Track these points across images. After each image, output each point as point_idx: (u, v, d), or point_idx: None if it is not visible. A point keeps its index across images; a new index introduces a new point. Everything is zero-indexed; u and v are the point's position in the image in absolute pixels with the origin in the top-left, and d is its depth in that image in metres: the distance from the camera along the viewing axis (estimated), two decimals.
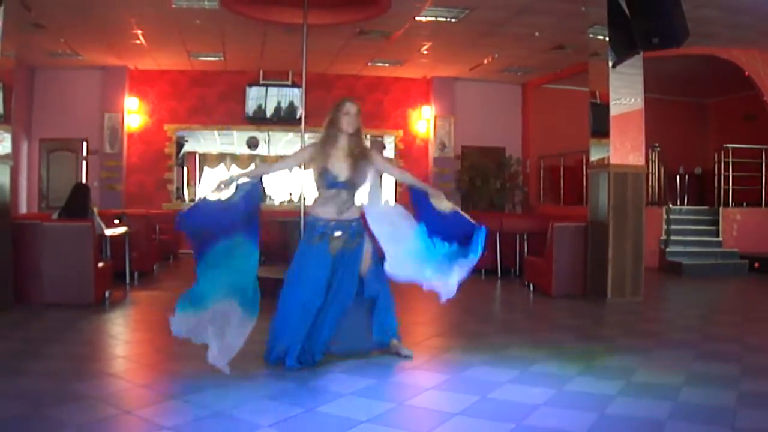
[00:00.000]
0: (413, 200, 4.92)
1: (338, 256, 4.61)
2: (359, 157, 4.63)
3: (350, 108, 4.71)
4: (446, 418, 3.52)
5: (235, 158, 18.35)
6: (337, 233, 4.59)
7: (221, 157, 18.52)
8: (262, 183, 4.90)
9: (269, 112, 13.96)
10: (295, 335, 4.50)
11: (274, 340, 4.61)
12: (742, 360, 4.90)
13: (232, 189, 4.49)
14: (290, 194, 16.65)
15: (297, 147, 13.74)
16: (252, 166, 4.36)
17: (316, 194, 4.72)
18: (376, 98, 14.45)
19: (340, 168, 4.59)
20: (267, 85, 13.88)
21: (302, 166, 4.88)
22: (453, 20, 10.00)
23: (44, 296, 6.90)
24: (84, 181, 12.66)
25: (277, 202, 15.46)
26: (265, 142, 16.07)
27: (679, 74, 12.73)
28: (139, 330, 6.28)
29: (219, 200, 4.47)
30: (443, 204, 4.74)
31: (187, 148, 16.24)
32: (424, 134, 14.61)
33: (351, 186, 4.62)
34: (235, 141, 16.62)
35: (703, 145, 15.25)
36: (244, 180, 4.55)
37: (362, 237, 4.71)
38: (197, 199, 4.69)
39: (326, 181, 4.57)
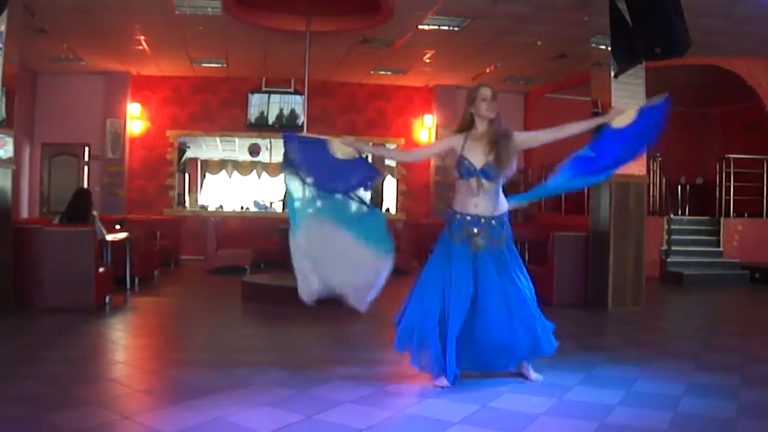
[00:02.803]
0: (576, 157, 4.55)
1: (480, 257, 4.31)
2: (502, 141, 4.32)
3: (486, 92, 4.37)
4: (446, 427, 3.50)
5: (236, 165, 18.43)
6: (474, 230, 4.31)
7: (223, 164, 18.61)
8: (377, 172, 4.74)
9: (271, 119, 13.97)
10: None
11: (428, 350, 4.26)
12: (743, 370, 4.88)
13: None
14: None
15: None
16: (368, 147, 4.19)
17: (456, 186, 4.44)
18: (378, 106, 14.48)
19: (476, 155, 4.31)
20: (269, 92, 13.90)
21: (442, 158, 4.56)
22: (456, 29, 10.03)
23: (45, 301, 6.90)
24: (86, 186, 12.67)
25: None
26: (266, 149, 16.11)
27: (681, 84, 12.74)
28: (140, 335, 6.28)
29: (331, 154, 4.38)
30: (627, 116, 4.39)
31: (189, 154, 16.30)
32: (426, 142, 14.60)
33: (491, 175, 4.29)
34: (237, 148, 16.67)
35: (704, 155, 15.24)
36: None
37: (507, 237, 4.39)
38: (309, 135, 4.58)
39: (463, 169, 4.31)
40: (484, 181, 4.28)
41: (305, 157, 4.38)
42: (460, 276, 4.25)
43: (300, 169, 4.35)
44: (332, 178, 4.40)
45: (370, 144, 4.58)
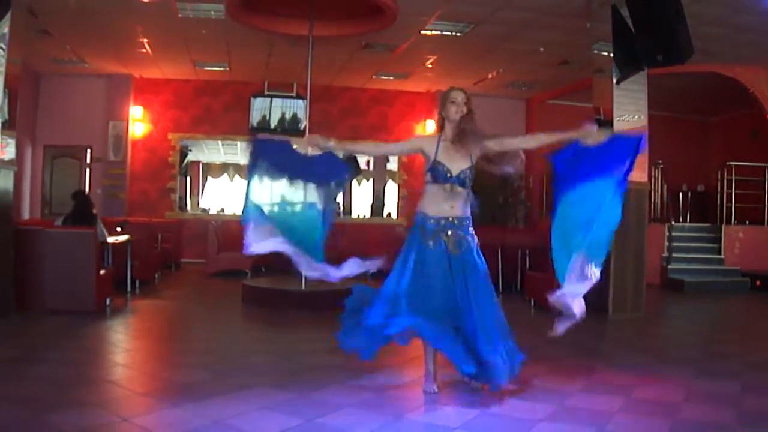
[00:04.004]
0: (555, 170, 4.48)
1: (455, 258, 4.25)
2: (462, 141, 4.33)
3: (456, 95, 4.40)
4: None
5: (238, 168, 18.43)
6: (449, 232, 4.27)
7: (225, 167, 18.60)
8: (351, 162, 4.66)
9: (273, 123, 13.94)
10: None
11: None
12: (743, 377, 4.88)
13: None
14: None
15: None
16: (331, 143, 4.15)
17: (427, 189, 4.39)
18: (380, 111, 14.47)
19: (452, 160, 4.30)
20: (271, 96, 13.88)
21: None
22: (458, 34, 10.04)
23: (45, 302, 6.90)
24: (87, 188, 12.68)
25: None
26: None
27: (683, 91, 12.75)
28: (140, 338, 6.28)
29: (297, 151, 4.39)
30: (597, 136, 4.22)
31: (191, 157, 16.29)
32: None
33: (466, 182, 4.33)
34: (239, 151, 16.67)
35: (706, 162, 15.25)
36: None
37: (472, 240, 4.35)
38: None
39: (439, 175, 4.28)
40: (458, 187, 4.29)
41: (274, 158, 4.37)
42: (436, 278, 4.22)
43: (270, 170, 4.34)
44: (306, 173, 4.40)
45: (332, 141, 4.45)
